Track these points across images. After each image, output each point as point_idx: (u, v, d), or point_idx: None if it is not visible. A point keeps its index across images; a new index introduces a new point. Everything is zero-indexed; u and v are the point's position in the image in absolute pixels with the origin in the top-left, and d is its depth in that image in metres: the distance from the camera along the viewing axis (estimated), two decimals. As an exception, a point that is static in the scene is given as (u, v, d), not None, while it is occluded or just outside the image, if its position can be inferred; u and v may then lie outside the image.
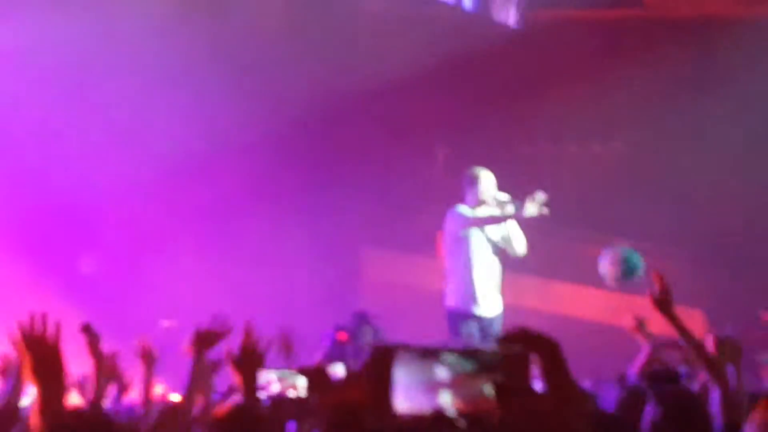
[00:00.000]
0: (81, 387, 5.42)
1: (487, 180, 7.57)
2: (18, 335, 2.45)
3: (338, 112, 9.16)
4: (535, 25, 9.84)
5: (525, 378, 1.66)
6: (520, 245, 7.65)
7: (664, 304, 3.72)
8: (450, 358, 1.75)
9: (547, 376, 1.65)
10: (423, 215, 8.84)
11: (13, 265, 9.03)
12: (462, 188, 7.76)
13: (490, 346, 2.40)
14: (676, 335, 3.97)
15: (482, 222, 7.61)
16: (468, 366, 1.73)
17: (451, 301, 7.74)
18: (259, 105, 8.78)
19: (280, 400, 5.41)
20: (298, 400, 5.13)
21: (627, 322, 4.94)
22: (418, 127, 9.93)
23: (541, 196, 7.37)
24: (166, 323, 8.45)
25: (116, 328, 6.66)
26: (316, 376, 3.86)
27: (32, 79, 9.00)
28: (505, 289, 7.73)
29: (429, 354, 1.77)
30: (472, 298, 7.70)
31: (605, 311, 8.82)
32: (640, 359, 4.76)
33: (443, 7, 9.69)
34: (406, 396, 1.71)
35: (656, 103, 9.20)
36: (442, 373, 1.74)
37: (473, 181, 7.64)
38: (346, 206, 9.30)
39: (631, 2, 10.04)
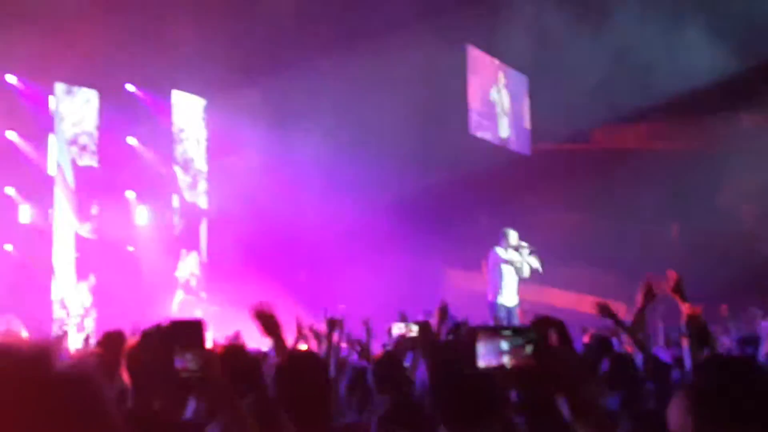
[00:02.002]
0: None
1: (512, 235, 11.48)
2: (253, 311, 3.21)
3: (438, 190, 14.14)
4: (537, 152, 16.00)
5: (547, 343, 2.28)
6: (525, 272, 11.41)
7: (677, 290, 4.23)
8: (507, 333, 2.18)
9: (559, 340, 2.34)
10: (477, 251, 12.10)
11: (260, 275, 12.51)
12: (499, 238, 11.56)
13: (527, 326, 3.12)
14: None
15: (505, 260, 11.33)
16: (518, 339, 2.17)
17: (491, 297, 11.35)
18: (394, 182, 13.96)
19: (402, 337, 6.36)
20: (413, 339, 5.77)
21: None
22: (470, 204, 15.21)
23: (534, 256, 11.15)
24: (342, 306, 9.65)
25: (318, 312, 10.14)
26: (425, 327, 4.75)
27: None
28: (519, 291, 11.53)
29: (495, 332, 2.18)
30: (500, 296, 11.33)
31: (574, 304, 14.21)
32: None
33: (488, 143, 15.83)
34: (483, 359, 2.16)
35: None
36: (504, 344, 2.16)
37: (505, 235, 11.50)
38: (438, 243, 14.29)
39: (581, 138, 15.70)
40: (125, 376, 3.10)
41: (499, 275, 11.41)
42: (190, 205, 14.96)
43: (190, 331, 2.22)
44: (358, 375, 4.87)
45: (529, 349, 2.16)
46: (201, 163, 15.21)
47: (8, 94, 12.75)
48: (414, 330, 6.18)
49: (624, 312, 9.88)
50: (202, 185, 15.19)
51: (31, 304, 12.05)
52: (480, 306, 11.31)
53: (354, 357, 6.83)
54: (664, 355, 5.85)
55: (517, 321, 11.08)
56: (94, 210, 13.58)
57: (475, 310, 9.79)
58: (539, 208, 14.72)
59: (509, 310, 11.41)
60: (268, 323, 3.34)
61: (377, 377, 4.63)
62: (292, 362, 3.17)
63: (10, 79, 12.89)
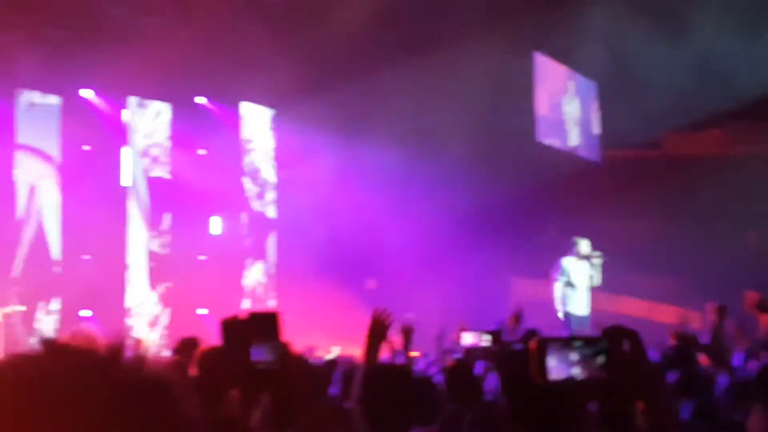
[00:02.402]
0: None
1: (583, 244, 11.66)
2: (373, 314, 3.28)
3: (506, 198, 14.02)
4: (607, 159, 15.74)
5: (619, 353, 2.16)
6: (595, 280, 11.60)
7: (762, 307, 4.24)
8: (578, 344, 2.14)
9: (632, 351, 2.20)
10: (545, 260, 12.33)
11: (328, 284, 13.25)
12: (569, 247, 11.77)
13: (599, 336, 2.97)
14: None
15: (575, 270, 11.53)
16: (589, 349, 2.12)
17: (560, 307, 11.46)
18: (462, 190, 14.01)
19: (473, 348, 6.58)
20: (485, 349, 6.07)
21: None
22: (539, 213, 15.11)
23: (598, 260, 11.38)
24: (410, 315, 10.41)
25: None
26: (496, 336, 5.34)
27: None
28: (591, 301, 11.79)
29: (566, 342, 2.14)
30: (571, 306, 11.50)
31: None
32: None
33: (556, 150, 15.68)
34: (554, 370, 2.10)
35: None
36: (574, 355, 2.11)
37: (575, 244, 11.72)
38: (506, 252, 14.24)
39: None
40: (196, 373, 3.11)
41: (569, 285, 11.50)
42: (258, 214, 15.15)
43: (266, 322, 2.22)
44: (424, 384, 4.89)
45: (600, 359, 2.13)
46: (269, 173, 15.39)
47: (83, 108, 13.16)
48: (485, 339, 6.33)
49: (699, 320, 10.01)
50: (270, 195, 15.36)
51: (106, 313, 12.29)
52: (547, 316, 11.23)
53: (419, 366, 6.92)
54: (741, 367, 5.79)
55: (588, 331, 10.79)
56: (165, 224, 13.82)
57: (543, 319, 9.72)
58: (609, 216, 14.40)
59: (580, 321, 11.44)
60: (376, 330, 3.44)
61: (449, 386, 4.64)
62: (379, 371, 3.22)
63: (85, 93, 13.29)
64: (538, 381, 2.13)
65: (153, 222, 13.84)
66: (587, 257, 11.48)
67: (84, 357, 1.11)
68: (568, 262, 11.56)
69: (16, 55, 11.20)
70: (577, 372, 2.13)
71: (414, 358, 6.58)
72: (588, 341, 2.18)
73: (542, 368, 2.13)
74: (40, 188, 12.70)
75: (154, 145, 13.92)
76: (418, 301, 13.12)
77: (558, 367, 2.13)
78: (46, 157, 12.77)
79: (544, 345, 2.16)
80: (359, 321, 5.60)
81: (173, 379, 1.15)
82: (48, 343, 1.11)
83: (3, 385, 1.04)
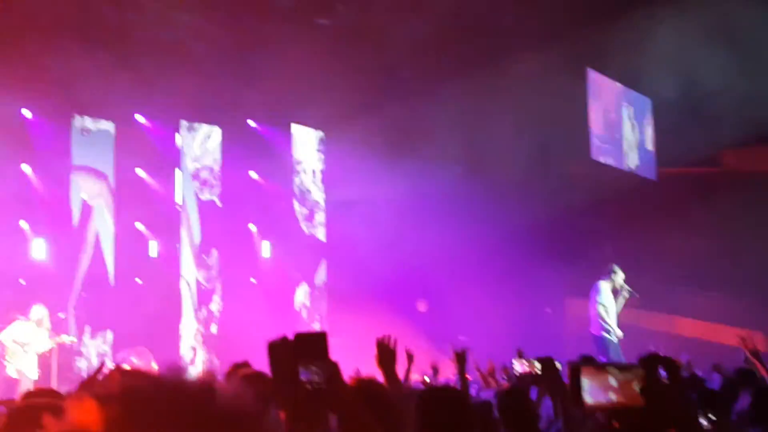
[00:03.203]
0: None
1: (619, 275, 11.59)
2: (378, 342, 3.23)
3: (559, 217, 13.96)
4: (664, 176, 15.38)
5: (656, 381, 2.26)
6: (619, 307, 11.54)
7: None
8: (615, 370, 2.21)
9: (669, 376, 2.42)
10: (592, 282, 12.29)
11: (378, 306, 13.13)
12: (607, 272, 11.71)
13: (635, 363, 3.05)
14: None
15: (612, 293, 11.49)
16: (626, 375, 2.19)
17: (596, 330, 11.42)
18: (515, 210, 13.74)
19: (526, 374, 6.55)
20: (537, 375, 5.88)
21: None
22: (593, 232, 14.73)
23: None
24: (462, 338, 11.35)
25: (437, 341, 11.33)
26: (548, 362, 4.78)
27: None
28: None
29: (602, 368, 2.23)
30: (607, 329, 11.39)
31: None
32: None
33: (611, 168, 15.36)
34: (590, 395, 2.16)
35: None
36: (611, 380, 2.16)
37: (611, 270, 11.69)
38: (560, 272, 14.25)
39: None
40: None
41: (604, 309, 11.40)
42: (307, 236, 15.14)
43: (314, 343, 2.23)
44: (483, 409, 4.85)
45: (637, 386, 2.18)
46: (318, 195, 15.38)
47: (137, 132, 13.35)
48: (537, 367, 6.13)
49: (762, 341, 10.23)
50: (320, 217, 15.35)
51: (160, 336, 12.41)
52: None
53: (473, 390, 6.74)
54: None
55: (619, 352, 11.07)
56: (215, 248, 13.81)
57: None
58: (666, 234, 14.19)
59: (616, 344, 11.36)
60: (385, 356, 3.40)
61: (502, 411, 4.54)
62: (434, 394, 3.21)
63: (139, 118, 13.45)
64: (573, 404, 2.16)
65: (204, 245, 13.91)
66: (619, 288, 11.50)
67: (173, 390, 1.16)
68: (605, 285, 11.50)
69: (71, 81, 11.41)
70: (612, 397, 2.20)
71: (470, 382, 6.48)
72: (624, 367, 2.26)
73: (577, 392, 2.19)
74: (95, 210, 12.89)
75: (205, 168, 14.04)
76: (470, 324, 13.16)
77: (594, 391, 2.20)
78: (100, 177, 12.95)
79: (578, 370, 2.22)
80: (411, 344, 5.52)
81: (254, 407, 1.20)
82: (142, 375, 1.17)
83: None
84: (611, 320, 11.34)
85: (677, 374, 2.86)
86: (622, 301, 11.55)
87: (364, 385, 3.20)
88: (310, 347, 2.22)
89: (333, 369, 2.21)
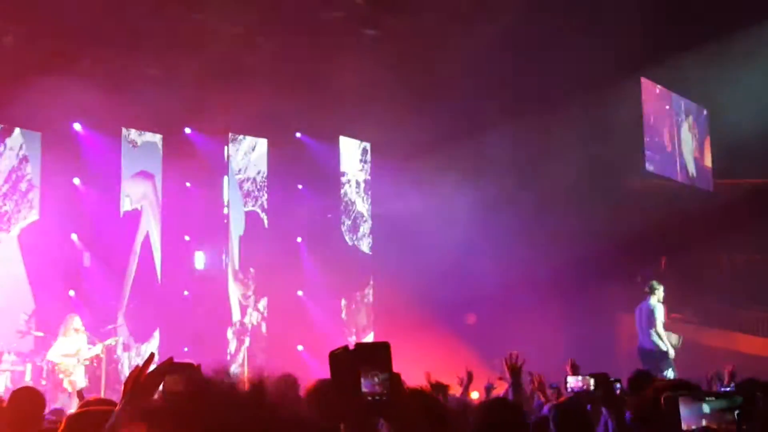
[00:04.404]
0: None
1: (659, 289, 11.64)
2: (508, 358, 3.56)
3: (614, 230, 13.59)
4: (721, 188, 15.06)
5: (755, 409, 2.28)
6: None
7: None
8: (710, 398, 2.17)
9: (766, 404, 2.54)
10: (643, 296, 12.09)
11: (424, 318, 13.12)
12: (650, 290, 11.64)
13: (731, 391, 3.15)
14: None
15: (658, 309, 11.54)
16: (722, 403, 2.16)
17: (646, 345, 11.47)
18: (568, 230, 13.74)
19: (581, 392, 5.96)
20: (590, 392, 5.42)
21: None
22: (649, 245, 14.42)
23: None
24: (497, 361, 9.96)
25: (487, 356, 10.80)
26: (603, 378, 4.58)
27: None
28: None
29: (698, 395, 2.24)
30: (655, 342, 11.45)
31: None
32: None
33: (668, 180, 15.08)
34: (685, 421, 2.15)
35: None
36: (705, 408, 2.16)
37: (653, 288, 11.66)
38: (610, 286, 14.09)
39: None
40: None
41: (653, 324, 11.42)
42: (352, 248, 15.05)
43: (377, 353, 2.21)
44: (540, 423, 4.76)
45: (734, 414, 2.16)
46: (363, 207, 15.30)
47: (186, 145, 13.46)
48: (591, 383, 6.11)
49: None
50: (365, 228, 15.25)
51: (208, 347, 12.38)
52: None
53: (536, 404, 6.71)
54: None
55: (674, 368, 11.10)
56: (261, 259, 13.79)
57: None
58: (724, 247, 14.12)
59: (658, 356, 11.34)
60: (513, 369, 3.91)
61: (558, 425, 4.50)
62: (491, 407, 3.28)
63: (187, 130, 13.56)
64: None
65: (250, 257, 13.89)
66: (657, 304, 11.52)
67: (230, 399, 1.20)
68: (654, 302, 11.53)
69: (120, 94, 11.54)
70: (707, 425, 2.20)
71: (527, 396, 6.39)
72: (721, 395, 2.27)
73: (674, 420, 2.19)
74: (143, 217, 13.01)
75: (252, 180, 14.06)
76: (519, 339, 12.77)
77: (688, 417, 2.20)
78: (149, 189, 13.10)
79: (676, 400, 2.22)
80: (459, 356, 5.47)
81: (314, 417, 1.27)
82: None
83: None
84: (664, 336, 11.34)
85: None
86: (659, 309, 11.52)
87: (421, 396, 3.15)
88: (372, 357, 2.19)
89: (396, 380, 2.18)
